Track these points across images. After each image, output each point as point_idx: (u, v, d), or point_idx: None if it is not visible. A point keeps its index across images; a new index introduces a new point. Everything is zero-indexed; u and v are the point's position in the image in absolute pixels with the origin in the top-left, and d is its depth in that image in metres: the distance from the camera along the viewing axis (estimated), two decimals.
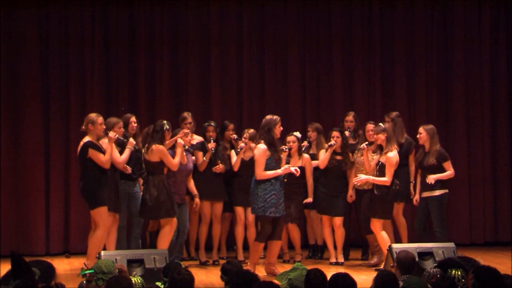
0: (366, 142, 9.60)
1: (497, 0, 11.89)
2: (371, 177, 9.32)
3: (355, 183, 9.64)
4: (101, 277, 5.79)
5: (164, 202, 9.01)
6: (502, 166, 11.86)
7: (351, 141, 10.15)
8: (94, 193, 8.71)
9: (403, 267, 6.16)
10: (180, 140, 9.23)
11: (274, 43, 11.67)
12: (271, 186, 8.90)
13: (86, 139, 8.81)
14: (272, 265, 9.11)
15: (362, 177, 9.35)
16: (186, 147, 9.46)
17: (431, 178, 9.46)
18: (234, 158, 9.95)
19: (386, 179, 9.21)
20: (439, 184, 9.48)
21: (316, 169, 9.98)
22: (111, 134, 8.86)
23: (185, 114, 10.06)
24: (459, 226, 11.66)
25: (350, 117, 10.28)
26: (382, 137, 9.30)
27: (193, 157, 9.89)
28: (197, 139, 10.00)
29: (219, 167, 9.89)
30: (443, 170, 9.51)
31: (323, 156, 9.87)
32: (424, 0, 11.86)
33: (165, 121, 9.26)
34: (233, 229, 10.39)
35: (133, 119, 9.60)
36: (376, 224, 9.30)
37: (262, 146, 8.94)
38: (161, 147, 9.06)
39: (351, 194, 9.91)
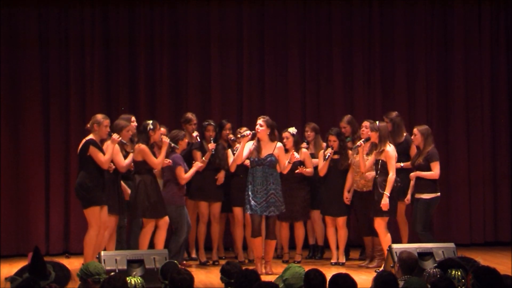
0: (362, 140, 9.48)
1: (497, 0, 11.89)
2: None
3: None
4: (99, 278, 5.77)
5: (139, 202, 9.02)
6: (502, 166, 11.86)
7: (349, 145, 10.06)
8: (88, 192, 8.63)
9: (405, 267, 6.15)
10: (166, 139, 9.21)
11: (274, 43, 11.67)
12: (247, 183, 9.26)
13: (89, 137, 8.78)
14: (267, 263, 9.32)
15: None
16: (173, 145, 9.40)
17: (412, 175, 9.45)
18: (231, 157, 9.76)
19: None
20: (430, 187, 9.38)
21: (316, 170, 9.96)
22: (115, 136, 8.80)
23: (190, 115, 10.02)
24: (459, 226, 11.65)
25: (343, 122, 10.18)
26: (375, 135, 9.27)
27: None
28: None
29: (221, 176, 9.91)
30: (430, 170, 9.42)
31: (322, 164, 9.82)
32: (424, 0, 11.86)
33: (150, 121, 9.22)
34: (229, 230, 10.39)
35: (133, 118, 9.54)
36: (381, 224, 9.16)
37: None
38: (142, 146, 9.04)
39: (346, 196, 9.81)
